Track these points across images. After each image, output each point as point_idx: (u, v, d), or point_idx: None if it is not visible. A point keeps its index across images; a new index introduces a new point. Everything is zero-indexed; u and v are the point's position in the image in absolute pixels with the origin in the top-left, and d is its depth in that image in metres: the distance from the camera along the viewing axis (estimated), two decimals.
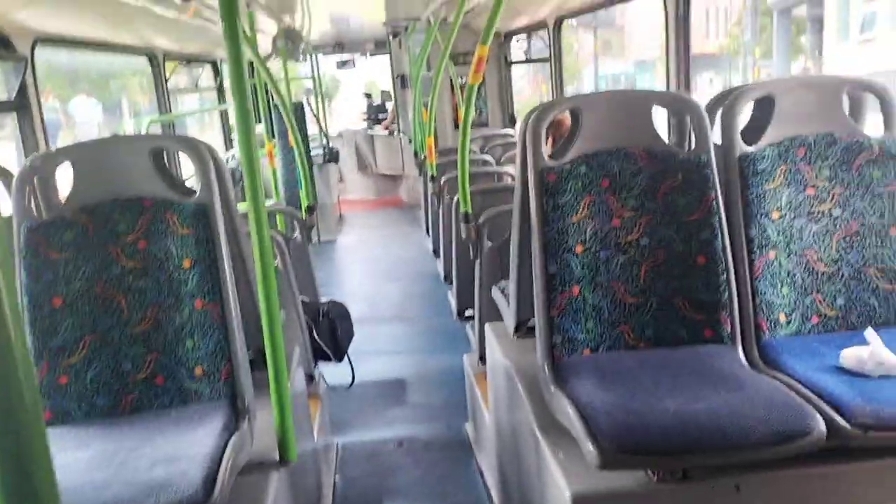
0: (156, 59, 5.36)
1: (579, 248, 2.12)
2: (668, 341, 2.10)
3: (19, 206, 2.02)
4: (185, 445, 1.77)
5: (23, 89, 3.17)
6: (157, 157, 2.08)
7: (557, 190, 2.13)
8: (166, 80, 5.49)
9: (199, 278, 2.02)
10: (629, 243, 2.13)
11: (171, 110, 5.55)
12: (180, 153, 2.31)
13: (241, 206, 2.22)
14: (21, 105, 3.18)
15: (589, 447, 1.68)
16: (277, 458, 2.01)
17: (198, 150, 2.09)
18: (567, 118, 3.55)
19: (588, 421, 1.74)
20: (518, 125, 7.68)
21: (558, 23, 5.51)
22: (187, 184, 2.42)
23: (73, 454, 1.80)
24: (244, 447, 1.87)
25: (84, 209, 2.02)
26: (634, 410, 1.76)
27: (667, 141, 2.23)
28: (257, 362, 2.30)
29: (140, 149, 2.07)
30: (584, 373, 1.99)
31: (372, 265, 7.27)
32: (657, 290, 2.11)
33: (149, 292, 2.00)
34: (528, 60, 7.27)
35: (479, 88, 3.40)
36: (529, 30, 6.51)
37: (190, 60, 6.58)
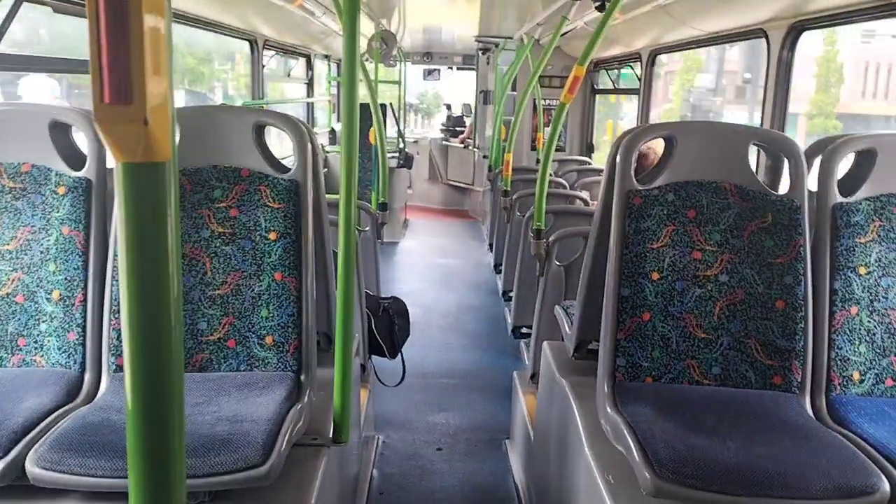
0: (256, 45, 5.55)
1: (655, 276, 2.10)
2: (734, 382, 2.06)
3: None
4: (248, 409, 1.82)
5: None
6: (259, 131, 2.16)
7: (642, 214, 2.12)
8: (263, 66, 5.68)
9: (283, 252, 2.08)
10: (707, 277, 2.10)
11: (264, 96, 5.74)
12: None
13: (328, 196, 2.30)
14: None
15: (644, 474, 1.66)
16: (331, 437, 2.04)
17: (299, 131, 2.17)
18: (652, 151, 3.54)
19: (646, 447, 1.72)
20: (595, 154, 7.67)
21: (652, 56, 5.49)
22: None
23: None
24: (302, 420, 1.91)
25: (184, 172, 2.11)
26: (694, 445, 1.74)
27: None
28: (320, 342, 2.35)
29: (245, 122, 2.15)
30: (644, 400, 1.96)
31: (431, 272, 7.33)
32: (730, 329, 2.07)
33: (233, 258, 2.07)
34: (615, 90, 7.24)
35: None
36: (621, 60, 6.50)
37: (286, 51, 6.79)
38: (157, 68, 0.68)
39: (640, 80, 5.70)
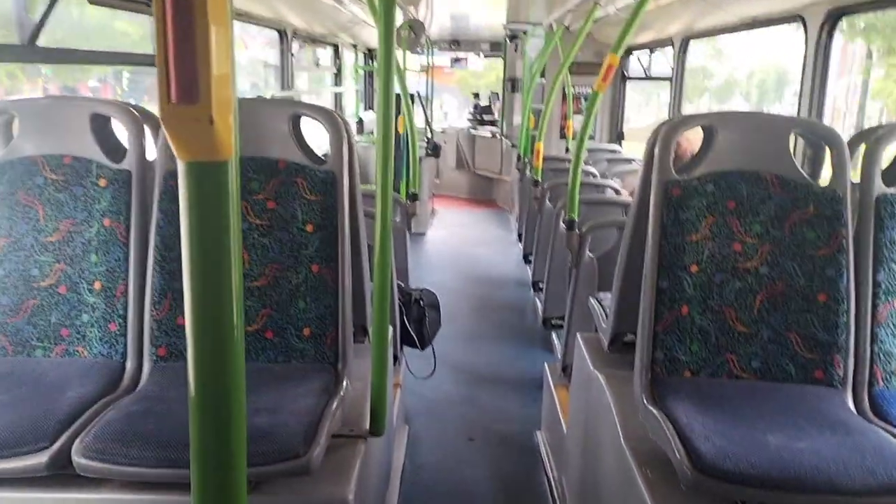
0: (285, 35, 5.57)
1: (694, 268, 2.07)
2: (774, 376, 2.03)
3: (163, 152, 2.14)
4: (287, 400, 1.84)
5: None
6: (295, 122, 2.17)
7: (681, 205, 2.10)
8: (292, 56, 5.70)
9: (320, 244, 2.09)
10: (747, 270, 2.06)
11: (292, 86, 5.76)
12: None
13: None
14: None
15: (684, 468, 1.65)
16: (367, 427, 2.05)
17: (335, 122, 2.17)
18: (686, 142, 3.49)
19: (685, 442, 1.71)
20: (624, 143, 7.58)
21: (685, 42, 5.40)
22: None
23: (183, 391, 1.90)
24: (340, 411, 1.93)
25: None
26: (735, 439, 1.71)
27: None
28: (355, 334, 2.36)
29: (282, 113, 2.16)
30: (683, 394, 1.94)
31: (459, 262, 7.32)
32: (770, 322, 2.04)
33: (271, 250, 2.09)
34: (647, 77, 7.14)
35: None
36: (652, 46, 6.40)
37: (314, 40, 6.80)
38: (221, 69, 0.69)
39: (672, 67, 5.62)
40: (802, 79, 3.51)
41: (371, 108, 9.71)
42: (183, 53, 0.67)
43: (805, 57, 3.49)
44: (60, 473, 1.70)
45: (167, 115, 0.69)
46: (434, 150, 8.73)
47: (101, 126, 2.16)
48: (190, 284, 0.75)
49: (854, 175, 2.14)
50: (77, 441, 1.68)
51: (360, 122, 8.90)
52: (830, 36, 3.43)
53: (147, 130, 2.22)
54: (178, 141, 0.71)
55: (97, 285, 2.08)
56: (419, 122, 8.56)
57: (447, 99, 18.61)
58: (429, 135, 8.87)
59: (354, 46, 8.54)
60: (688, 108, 6.38)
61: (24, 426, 1.71)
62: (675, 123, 2.17)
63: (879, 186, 2.08)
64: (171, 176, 2.12)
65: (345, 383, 2.02)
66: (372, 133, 8.07)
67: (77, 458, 1.65)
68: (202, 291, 0.76)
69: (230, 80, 0.71)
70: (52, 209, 2.10)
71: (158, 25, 0.66)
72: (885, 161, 2.12)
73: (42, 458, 1.67)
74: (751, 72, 13.75)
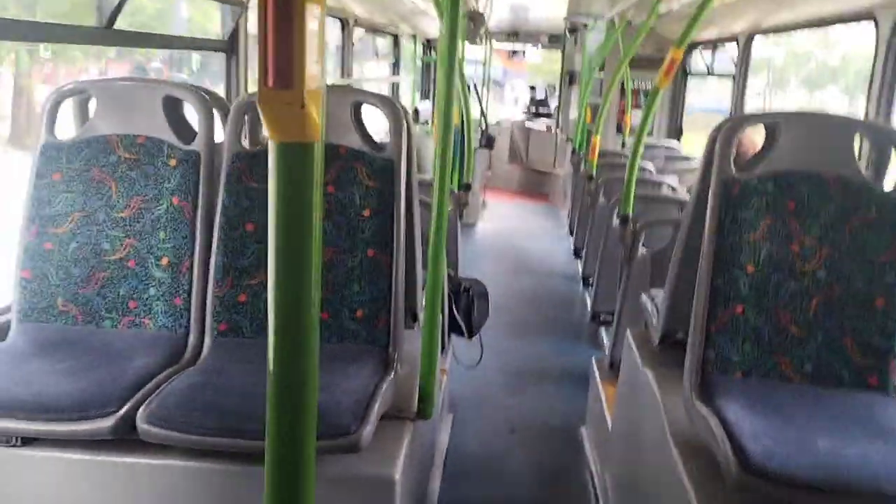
0: (347, 24, 5.65)
1: (750, 268, 2.05)
2: (827, 381, 2.00)
3: (231, 135, 2.22)
4: (339, 379, 1.90)
5: (235, 33, 3.45)
6: (357, 110, 2.22)
7: (739, 204, 2.07)
8: (353, 45, 5.78)
9: (376, 229, 2.14)
10: (804, 272, 2.03)
11: (352, 74, 5.85)
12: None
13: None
14: (231, 47, 3.47)
15: (730, 467, 1.64)
16: (415, 410, 2.10)
17: (395, 110, 2.21)
18: (748, 140, 3.42)
19: (732, 441, 1.70)
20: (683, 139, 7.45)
21: (750, 38, 5.28)
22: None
23: (241, 366, 1.98)
24: (390, 393, 1.98)
25: None
26: (783, 441, 1.70)
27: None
28: (406, 319, 2.41)
29: (344, 101, 2.21)
30: (733, 394, 1.93)
31: (509, 254, 7.32)
32: (826, 326, 2.01)
33: (329, 234, 2.15)
34: (710, 73, 7.00)
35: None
36: (716, 42, 6.27)
37: (376, 30, 6.87)
38: (314, 58, 0.74)
39: (736, 64, 5.50)
40: (872, 79, 3.40)
41: (427, 97, 9.76)
42: (281, 43, 0.72)
43: (875, 56, 3.38)
44: (125, 438, 1.79)
45: (264, 97, 0.75)
46: (488, 141, 8.72)
47: (172, 108, 2.25)
48: (275, 260, 0.81)
49: None
50: (142, 408, 1.77)
51: (416, 111, 8.97)
52: None
53: (216, 114, 2.30)
54: (273, 122, 0.76)
55: (164, 261, 2.18)
56: (475, 113, 8.58)
57: (518, 84, 18.71)
58: (483, 126, 8.87)
59: (414, 37, 8.59)
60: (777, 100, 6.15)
61: (93, 391, 1.81)
62: (737, 121, 2.15)
63: None
64: (238, 158, 2.20)
65: (395, 366, 2.07)
66: (427, 122, 8.11)
67: (141, 424, 1.74)
68: (286, 268, 0.81)
69: (322, 69, 0.76)
70: (124, 186, 2.20)
71: (260, 17, 0.72)
72: None
73: (108, 423, 1.76)
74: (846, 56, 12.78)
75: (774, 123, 2.13)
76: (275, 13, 0.71)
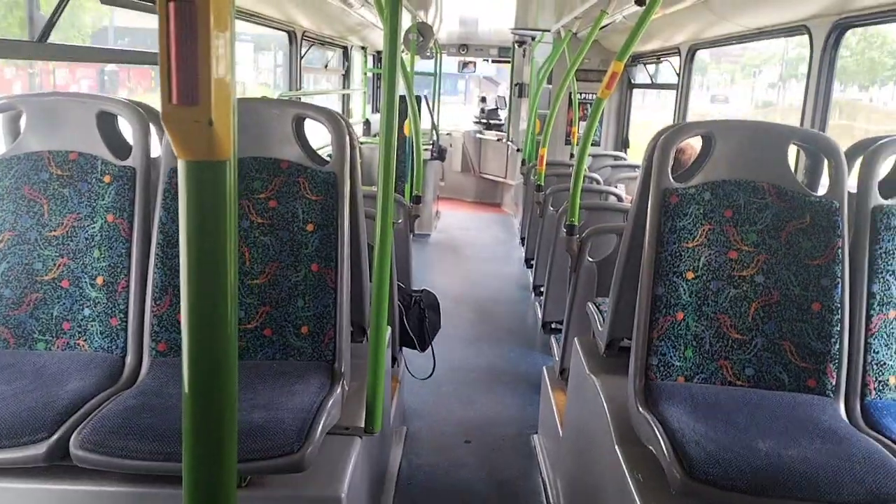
0: (294, 36, 5.61)
1: (690, 275, 2.09)
2: (767, 384, 2.04)
3: (167, 150, 2.17)
4: (284, 397, 1.86)
5: None
6: (298, 123, 2.19)
7: (678, 213, 2.11)
8: (301, 58, 5.73)
9: (320, 243, 2.12)
10: (743, 278, 2.08)
11: (300, 87, 5.80)
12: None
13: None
14: None
15: (674, 473, 1.66)
16: (363, 426, 2.08)
17: (338, 124, 2.20)
18: (689, 148, 3.50)
19: (676, 447, 1.72)
20: (629, 149, 7.60)
21: (692, 51, 5.42)
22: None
23: (179, 386, 1.93)
24: (336, 409, 1.95)
25: None
26: (726, 445, 1.73)
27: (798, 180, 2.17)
28: (353, 333, 2.39)
29: (286, 114, 2.19)
30: (676, 399, 1.96)
31: (461, 265, 7.34)
32: (765, 331, 2.06)
33: (272, 249, 2.11)
34: (653, 85, 7.16)
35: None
36: (659, 55, 6.42)
37: (324, 43, 6.84)
38: (221, 73, 0.72)
39: (678, 75, 5.63)
40: (806, 89, 3.52)
41: (378, 110, 9.72)
42: (185, 57, 0.69)
43: (810, 68, 3.51)
44: (58, 465, 1.73)
45: (168, 115, 0.72)
46: (439, 153, 8.74)
47: (107, 123, 2.20)
48: (187, 280, 0.78)
49: (851, 186, 2.16)
50: (75, 433, 1.71)
51: (368, 123, 8.93)
52: (836, 48, 3.44)
53: (153, 128, 2.25)
54: (178, 141, 0.74)
55: (99, 280, 2.11)
56: (425, 125, 8.59)
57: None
58: (434, 138, 8.89)
59: (364, 49, 8.58)
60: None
61: (24, 417, 1.74)
62: (674, 131, 2.19)
63: (876, 198, 2.10)
64: (175, 173, 2.15)
65: (341, 382, 2.05)
66: (377, 135, 8.08)
67: (75, 450, 1.68)
68: (198, 288, 0.78)
69: (230, 83, 0.74)
70: (56, 204, 2.13)
71: (162, 29, 0.69)
72: (882, 172, 2.13)
73: (40, 449, 1.69)
74: None
75: (709, 133, 2.18)
76: (177, 24, 0.68)
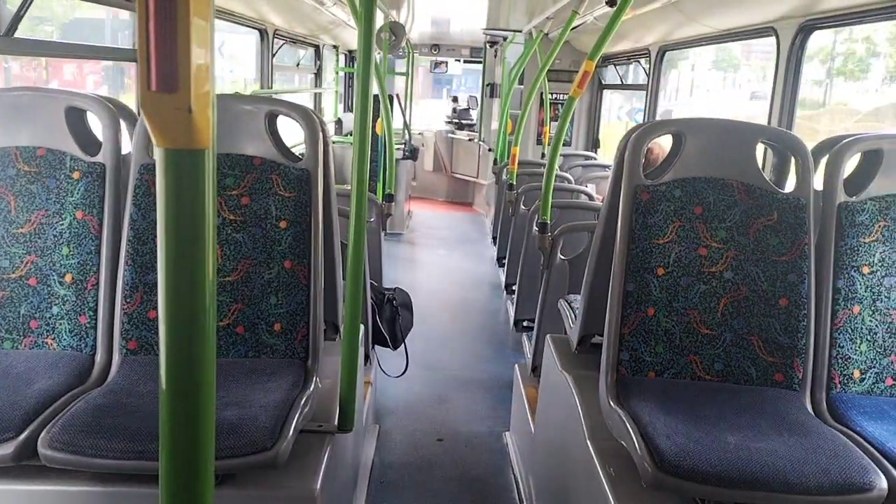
0: (266, 35, 5.56)
1: (660, 271, 2.12)
2: (736, 378, 2.08)
3: (138, 146, 2.14)
4: (257, 394, 1.85)
5: None
6: (271, 120, 2.18)
7: (649, 210, 2.14)
8: (272, 56, 5.69)
9: (293, 240, 2.10)
10: (712, 274, 2.12)
11: (272, 86, 5.75)
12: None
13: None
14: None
15: (645, 466, 1.69)
16: (336, 424, 2.07)
17: (311, 121, 2.19)
18: (658, 147, 3.55)
19: (647, 440, 1.75)
20: (601, 149, 7.67)
21: (662, 52, 5.49)
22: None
23: (151, 385, 1.91)
24: (309, 406, 1.94)
25: None
26: (695, 438, 1.76)
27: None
28: (326, 331, 2.38)
29: (258, 111, 2.17)
30: (647, 394, 1.99)
31: (433, 263, 7.35)
32: (733, 326, 2.10)
33: (244, 246, 2.10)
34: (623, 86, 7.24)
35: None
36: (629, 55, 6.50)
37: (295, 41, 6.80)
38: (201, 60, 0.71)
39: (648, 75, 5.71)
40: (773, 89, 3.59)
41: (350, 109, 9.70)
42: (164, 42, 0.68)
43: (777, 68, 3.58)
44: (27, 465, 1.69)
45: (146, 102, 0.71)
46: (412, 153, 8.74)
47: (76, 119, 2.16)
48: (164, 273, 0.77)
49: (818, 183, 2.21)
50: (44, 432, 1.68)
51: (340, 122, 8.89)
52: (802, 48, 3.52)
53: (123, 124, 2.22)
54: (157, 128, 0.73)
55: (68, 278, 2.07)
56: (398, 124, 8.57)
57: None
58: (407, 137, 8.88)
59: (336, 48, 8.53)
60: None
61: None
62: (645, 130, 2.21)
63: (841, 195, 2.15)
64: (146, 170, 2.12)
65: (314, 379, 2.04)
66: (350, 134, 8.06)
67: (43, 450, 1.65)
68: (176, 280, 0.77)
69: (209, 71, 0.73)
70: (23, 201, 2.09)
71: (141, 13, 0.68)
72: (847, 170, 2.18)
73: (8, 449, 1.66)
74: None
75: (679, 131, 2.21)
76: (157, 9, 0.67)
